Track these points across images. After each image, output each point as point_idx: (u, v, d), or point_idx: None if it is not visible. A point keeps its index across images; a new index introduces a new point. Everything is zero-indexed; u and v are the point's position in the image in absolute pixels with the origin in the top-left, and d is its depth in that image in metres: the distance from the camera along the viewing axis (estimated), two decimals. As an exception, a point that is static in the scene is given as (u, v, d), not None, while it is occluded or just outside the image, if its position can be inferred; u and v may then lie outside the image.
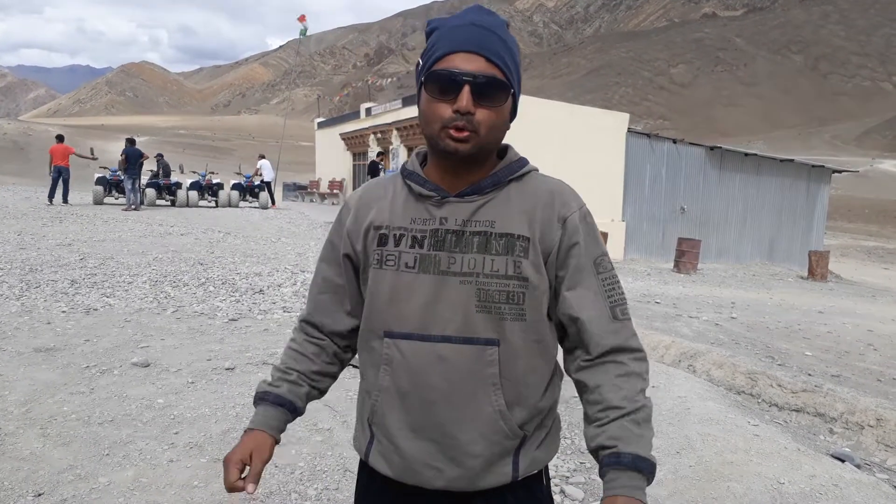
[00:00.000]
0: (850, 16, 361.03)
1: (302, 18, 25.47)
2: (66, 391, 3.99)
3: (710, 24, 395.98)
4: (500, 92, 1.17)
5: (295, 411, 1.37)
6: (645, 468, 1.15)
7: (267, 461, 1.28)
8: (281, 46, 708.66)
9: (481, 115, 1.16)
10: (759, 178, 22.23)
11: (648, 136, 20.84)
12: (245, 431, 1.32)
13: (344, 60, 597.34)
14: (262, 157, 22.78)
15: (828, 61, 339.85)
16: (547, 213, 1.23)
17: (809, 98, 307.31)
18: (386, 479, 1.28)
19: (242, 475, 1.23)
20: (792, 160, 23.76)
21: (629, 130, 19.97)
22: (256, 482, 1.23)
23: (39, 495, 2.76)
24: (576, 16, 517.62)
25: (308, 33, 27.26)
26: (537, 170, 1.33)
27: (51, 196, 16.92)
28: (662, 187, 20.44)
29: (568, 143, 18.05)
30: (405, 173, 1.31)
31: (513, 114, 1.25)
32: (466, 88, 1.14)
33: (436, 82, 1.17)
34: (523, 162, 1.31)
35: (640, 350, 1.27)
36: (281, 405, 1.35)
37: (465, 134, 1.16)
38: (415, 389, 1.21)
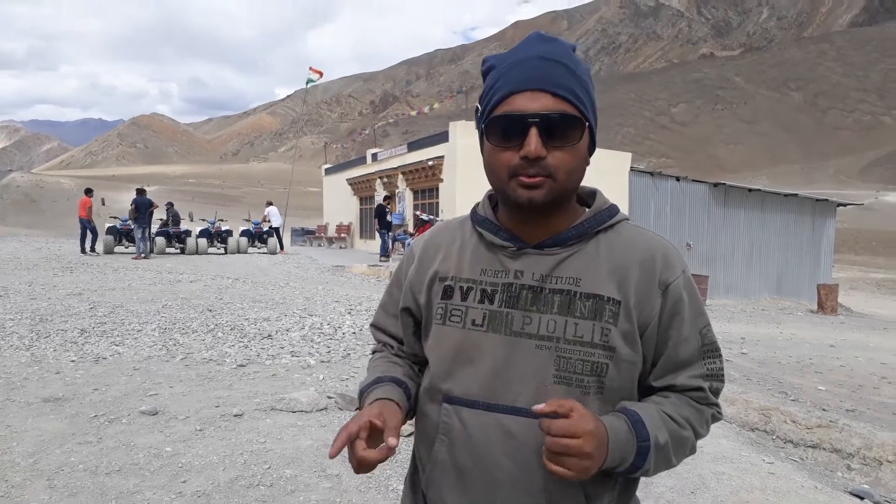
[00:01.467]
0: (846, 53, 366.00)
1: (317, 72, 25.95)
2: (74, 441, 3.97)
3: (709, 65, 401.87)
4: (573, 129, 1.02)
5: (409, 398, 1.18)
6: (641, 435, 1.00)
7: (399, 423, 1.08)
8: (288, 96, 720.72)
9: (555, 158, 1.02)
10: (764, 213, 22.29)
11: (651, 174, 21.01)
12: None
13: (350, 108, 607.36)
14: (270, 203, 23.11)
15: (826, 97, 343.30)
16: (646, 275, 1.07)
17: (810, 133, 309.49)
18: None
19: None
20: (796, 195, 23.86)
21: (632, 169, 20.15)
22: (396, 436, 1.02)
23: (46, 547, 2.73)
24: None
25: (314, 84, 27.82)
26: (629, 219, 1.16)
27: (82, 247, 17.65)
28: (667, 224, 20.49)
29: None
30: (476, 219, 1.17)
31: (592, 150, 1.11)
32: (534, 131, 1.00)
33: (498, 128, 1.04)
34: (613, 210, 1.14)
35: (719, 413, 1.14)
36: (396, 383, 1.18)
37: (539, 179, 1.02)
38: (476, 467, 1.07)
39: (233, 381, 5.47)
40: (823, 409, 5.72)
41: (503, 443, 1.05)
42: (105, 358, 6.10)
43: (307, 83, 26.40)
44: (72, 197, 59.45)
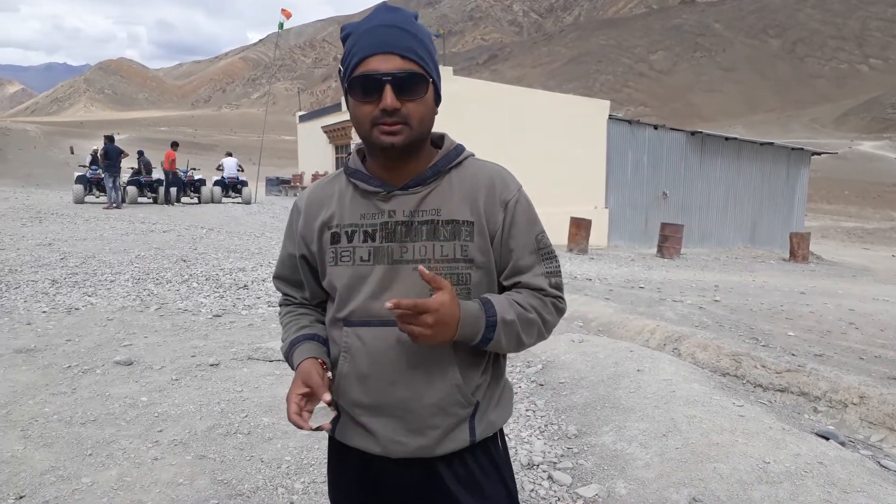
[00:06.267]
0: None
1: (286, 13, 24.97)
2: (48, 392, 3.94)
3: (688, 10, 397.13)
4: (419, 85, 1.24)
5: (325, 342, 1.41)
6: (489, 312, 1.26)
7: (323, 377, 1.30)
8: (261, 40, 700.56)
9: (408, 108, 1.23)
10: (740, 162, 22.40)
11: (630, 122, 20.91)
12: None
13: (324, 53, 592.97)
14: (229, 154, 23.31)
15: (805, 45, 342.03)
16: (490, 197, 1.33)
17: (788, 82, 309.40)
18: (353, 449, 1.38)
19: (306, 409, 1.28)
20: (772, 143, 23.99)
21: (610, 117, 20.03)
22: (327, 391, 1.27)
23: (21, 498, 2.72)
24: (555, 4, 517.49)
25: (287, 26, 26.85)
26: (473, 155, 1.41)
27: (166, 198, 18.81)
28: (644, 173, 20.54)
29: (549, 131, 18.05)
30: (349, 172, 1.38)
31: (438, 100, 1.34)
32: (388, 87, 1.21)
33: (358, 87, 1.24)
34: (460, 149, 1.39)
35: (561, 302, 1.39)
36: (310, 339, 1.40)
37: (397, 127, 1.23)
38: (375, 372, 1.30)
39: (209, 331, 5.44)
40: (792, 355, 5.86)
41: (396, 349, 1.28)
42: (77, 308, 6.02)
43: (279, 27, 25.47)
44: (38, 145, 57.81)
